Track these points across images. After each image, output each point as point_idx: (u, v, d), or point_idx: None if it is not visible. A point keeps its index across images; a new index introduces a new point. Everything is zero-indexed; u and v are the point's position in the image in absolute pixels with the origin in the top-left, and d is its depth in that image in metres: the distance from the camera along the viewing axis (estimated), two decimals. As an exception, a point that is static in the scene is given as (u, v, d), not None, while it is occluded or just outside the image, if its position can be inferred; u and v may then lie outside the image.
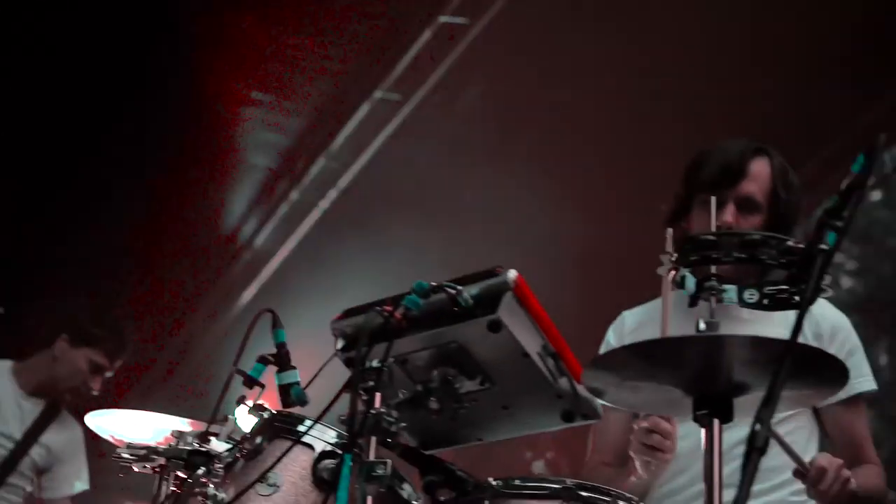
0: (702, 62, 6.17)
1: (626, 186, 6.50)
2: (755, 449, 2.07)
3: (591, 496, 2.63)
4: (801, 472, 3.03)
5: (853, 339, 3.52)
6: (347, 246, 7.18)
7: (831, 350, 3.16)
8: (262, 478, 2.63)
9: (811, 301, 2.24)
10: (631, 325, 3.65)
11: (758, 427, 2.05)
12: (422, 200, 6.89)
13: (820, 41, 6.14)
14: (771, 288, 2.38)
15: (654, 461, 3.12)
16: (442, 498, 2.75)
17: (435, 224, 6.90)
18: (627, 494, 2.69)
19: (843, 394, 3.40)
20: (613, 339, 3.66)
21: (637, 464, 3.14)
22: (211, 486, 2.69)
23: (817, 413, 3.51)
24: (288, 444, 2.64)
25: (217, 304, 7.83)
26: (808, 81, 6.34)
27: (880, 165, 2.10)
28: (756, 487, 3.25)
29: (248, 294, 7.64)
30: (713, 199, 2.51)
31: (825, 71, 6.33)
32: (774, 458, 3.34)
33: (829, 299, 3.63)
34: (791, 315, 3.40)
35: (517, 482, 2.69)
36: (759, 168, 3.48)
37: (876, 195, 16.80)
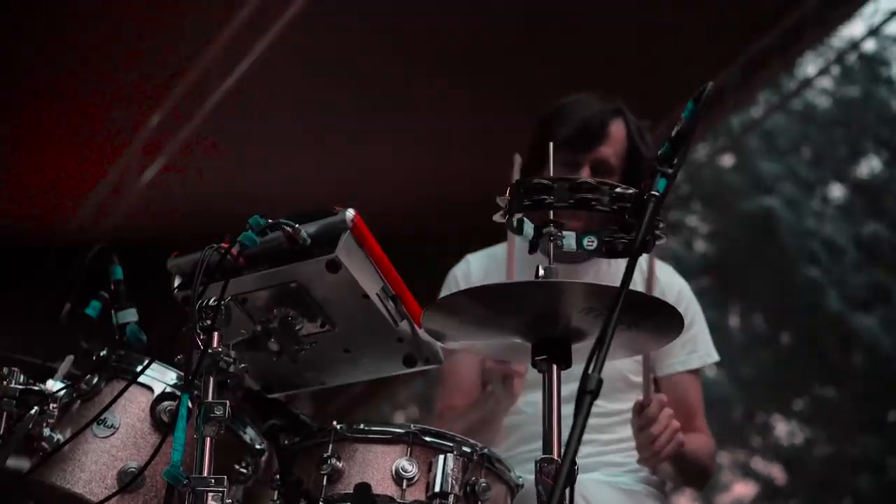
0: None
1: (477, 125, 6.56)
2: (587, 392, 2.11)
3: (434, 441, 2.66)
4: (643, 404, 3.09)
5: (694, 308, 3.62)
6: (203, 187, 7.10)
7: None
8: (98, 419, 2.59)
9: (646, 246, 2.29)
10: (478, 274, 3.66)
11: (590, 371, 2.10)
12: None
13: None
14: (610, 235, 2.41)
15: (508, 381, 3.26)
16: (285, 442, 2.75)
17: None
18: (472, 441, 2.72)
19: (680, 366, 3.53)
20: (462, 282, 3.64)
21: (491, 386, 3.27)
22: (46, 427, 2.62)
23: (657, 384, 3.57)
24: (125, 384, 2.60)
25: (65, 247, 7.63)
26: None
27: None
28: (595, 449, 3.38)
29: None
30: (550, 146, 2.52)
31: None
32: (621, 430, 3.42)
33: (676, 266, 3.73)
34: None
35: (361, 426, 2.70)
36: (616, 130, 3.50)
37: (728, 160, 17.28)
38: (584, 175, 3.40)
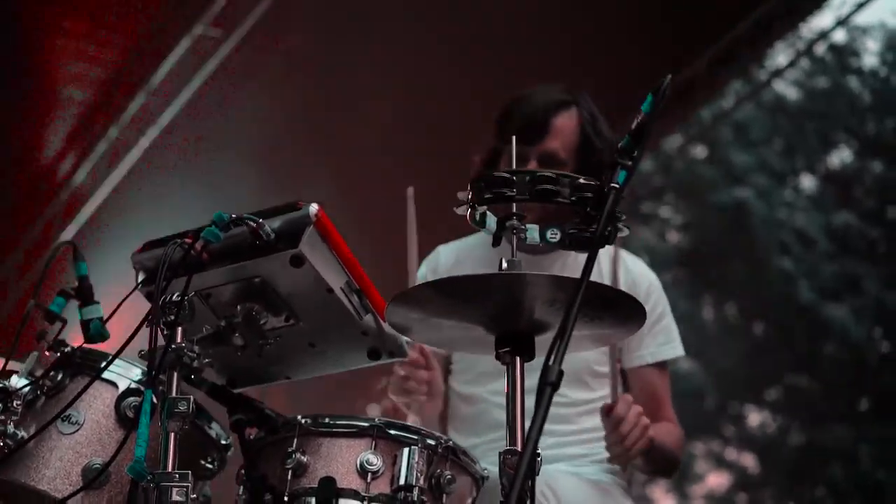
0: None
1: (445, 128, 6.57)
2: (548, 384, 2.11)
3: (399, 434, 2.66)
4: (609, 407, 3.12)
5: (664, 302, 3.65)
6: (170, 185, 7.07)
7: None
8: (62, 415, 2.59)
9: (608, 238, 2.30)
10: (447, 263, 3.67)
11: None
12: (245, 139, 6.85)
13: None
14: (573, 228, 2.41)
15: (411, 402, 3.33)
16: (251, 436, 2.75)
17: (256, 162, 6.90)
18: (436, 433, 2.72)
19: (650, 358, 3.56)
20: (430, 275, 3.65)
21: (399, 404, 3.35)
22: (10, 424, 2.61)
23: (623, 376, 3.61)
24: (88, 380, 2.59)
25: (33, 244, 7.60)
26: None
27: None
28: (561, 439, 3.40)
29: (67, 234, 7.42)
30: (513, 140, 2.52)
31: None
32: (585, 421, 3.46)
33: (650, 258, 3.76)
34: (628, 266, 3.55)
35: (326, 420, 2.70)
36: (564, 122, 3.49)
37: (700, 152, 17.33)
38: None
